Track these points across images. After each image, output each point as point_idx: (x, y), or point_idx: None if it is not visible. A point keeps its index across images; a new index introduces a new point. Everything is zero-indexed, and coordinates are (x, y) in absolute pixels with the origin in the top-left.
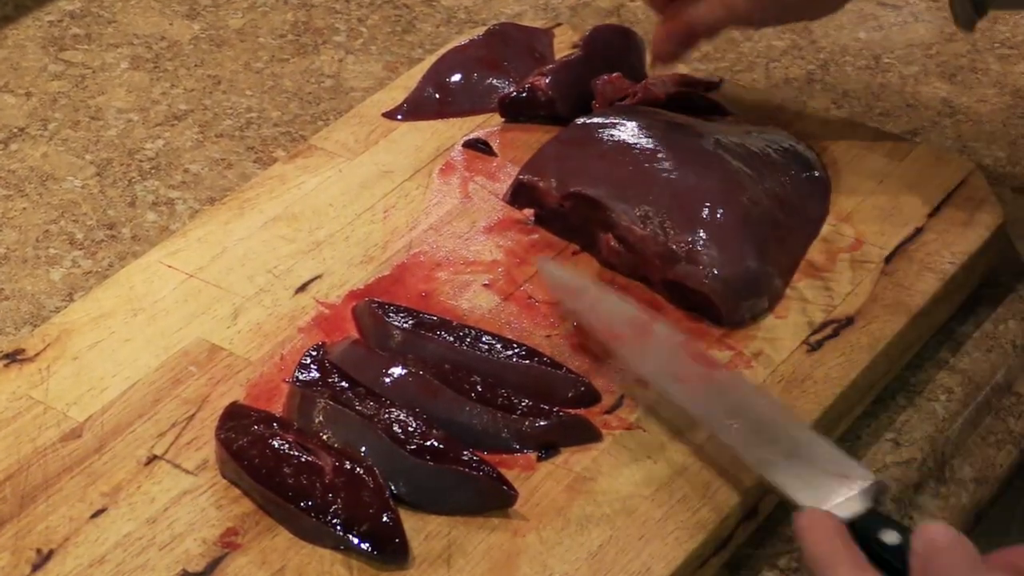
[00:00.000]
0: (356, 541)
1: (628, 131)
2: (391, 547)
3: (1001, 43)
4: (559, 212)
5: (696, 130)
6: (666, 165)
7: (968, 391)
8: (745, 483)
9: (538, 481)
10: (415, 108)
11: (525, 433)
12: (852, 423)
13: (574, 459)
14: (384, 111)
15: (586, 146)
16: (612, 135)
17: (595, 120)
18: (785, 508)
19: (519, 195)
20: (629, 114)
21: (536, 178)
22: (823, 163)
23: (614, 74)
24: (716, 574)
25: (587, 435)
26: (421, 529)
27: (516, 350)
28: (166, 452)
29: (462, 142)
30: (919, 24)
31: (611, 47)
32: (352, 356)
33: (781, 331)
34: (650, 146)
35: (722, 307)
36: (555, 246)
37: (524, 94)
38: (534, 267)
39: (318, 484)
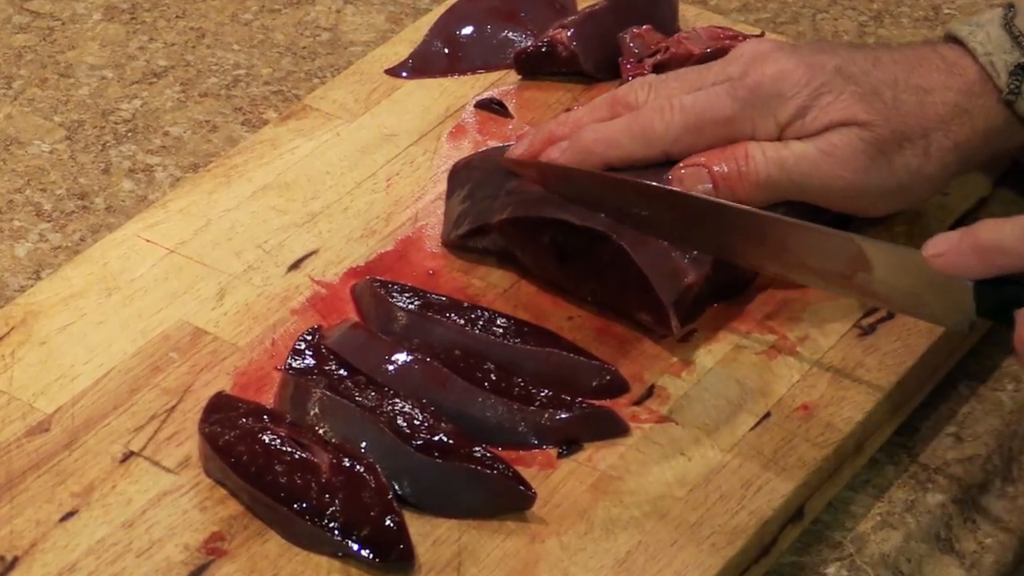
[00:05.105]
0: (356, 547)
1: None
2: (395, 554)
3: None
4: None
5: None
6: None
7: None
8: (789, 483)
9: (559, 480)
10: (422, 64)
11: (544, 427)
12: (909, 415)
13: (599, 456)
14: (387, 68)
15: None
16: None
17: None
18: (834, 510)
19: None
20: None
21: None
22: None
23: (643, 27)
24: None
25: (613, 429)
26: (428, 534)
27: (534, 334)
28: (144, 448)
29: (474, 102)
30: None
31: None
32: (351, 341)
33: (829, 313)
34: None
35: None
36: None
37: (543, 48)
38: None
39: (313, 484)
